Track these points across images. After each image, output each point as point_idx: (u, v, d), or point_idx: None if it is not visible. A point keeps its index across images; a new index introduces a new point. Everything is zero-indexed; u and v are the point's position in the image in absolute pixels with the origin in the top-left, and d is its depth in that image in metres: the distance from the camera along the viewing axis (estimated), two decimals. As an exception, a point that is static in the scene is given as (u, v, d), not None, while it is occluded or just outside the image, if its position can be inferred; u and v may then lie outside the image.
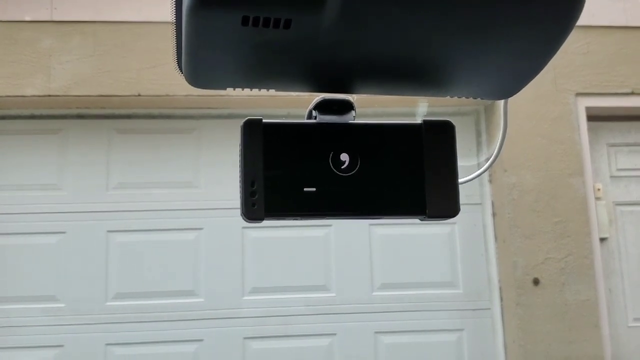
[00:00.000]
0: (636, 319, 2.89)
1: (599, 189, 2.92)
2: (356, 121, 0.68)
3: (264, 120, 0.65)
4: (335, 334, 2.81)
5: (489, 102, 2.88)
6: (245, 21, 0.49)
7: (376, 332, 2.82)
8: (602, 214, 2.89)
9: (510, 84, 0.62)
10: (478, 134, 3.02)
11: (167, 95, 2.73)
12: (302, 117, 0.69)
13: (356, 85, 0.63)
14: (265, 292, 2.81)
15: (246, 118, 0.64)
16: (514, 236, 2.75)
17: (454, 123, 0.68)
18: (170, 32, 0.58)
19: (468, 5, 0.49)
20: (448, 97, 0.66)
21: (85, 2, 2.76)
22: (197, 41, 0.52)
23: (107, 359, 2.70)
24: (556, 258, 2.74)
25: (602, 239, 2.88)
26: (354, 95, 0.67)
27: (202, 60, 0.56)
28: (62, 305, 2.72)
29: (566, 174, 2.81)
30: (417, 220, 0.69)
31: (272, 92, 0.63)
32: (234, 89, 0.61)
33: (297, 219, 0.66)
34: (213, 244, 2.82)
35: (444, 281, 2.90)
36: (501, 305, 2.84)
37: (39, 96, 2.70)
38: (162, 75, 2.70)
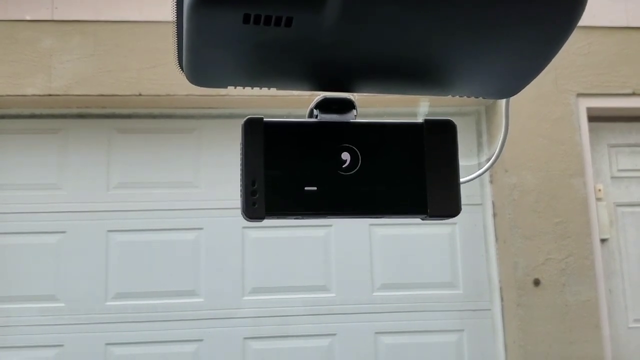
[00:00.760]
0: (636, 320, 2.89)
1: (599, 190, 2.91)
2: (357, 120, 0.67)
3: (264, 119, 0.65)
4: (335, 335, 2.81)
5: (490, 102, 2.88)
6: (246, 19, 0.49)
7: (376, 333, 2.82)
8: (603, 214, 2.89)
9: (511, 83, 0.62)
10: (479, 134, 3.02)
11: (168, 95, 2.73)
12: (303, 116, 0.69)
13: (357, 84, 0.63)
14: (266, 292, 2.81)
15: (247, 117, 0.64)
16: (515, 237, 2.75)
17: (455, 122, 0.68)
18: (171, 30, 0.58)
19: (469, 5, 0.49)
20: (449, 96, 0.66)
21: (86, 1, 2.76)
22: (198, 39, 0.52)
23: (107, 358, 2.70)
24: (557, 259, 2.73)
25: (603, 240, 2.88)
26: (355, 94, 0.67)
27: (203, 59, 0.56)
28: (62, 304, 2.72)
29: (567, 174, 2.81)
30: (417, 220, 0.69)
31: (273, 90, 0.63)
32: (235, 88, 0.61)
33: (298, 218, 0.66)
34: (213, 244, 2.82)
35: (445, 282, 2.90)
36: (502, 305, 2.84)
37: (39, 95, 2.70)
38: (163, 75, 2.69)
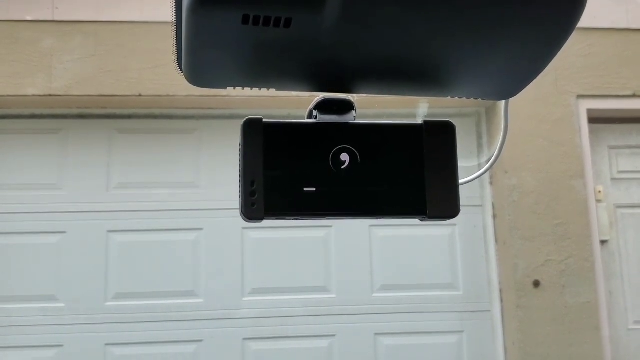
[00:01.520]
0: (636, 322, 2.89)
1: (599, 192, 2.91)
2: (357, 121, 0.67)
3: (264, 120, 0.65)
4: (335, 335, 2.81)
5: (490, 103, 2.87)
6: (245, 20, 0.49)
7: (376, 334, 2.82)
8: (603, 216, 2.89)
9: (511, 84, 0.62)
10: (479, 136, 3.02)
11: (168, 96, 2.73)
12: (303, 117, 0.69)
13: (357, 85, 0.63)
14: (265, 293, 2.81)
15: (246, 118, 0.64)
16: (515, 238, 2.75)
17: (454, 124, 0.68)
18: (171, 31, 0.58)
19: (469, 6, 0.49)
20: (449, 97, 0.66)
21: (87, 2, 2.76)
22: (197, 40, 0.52)
23: (107, 359, 2.70)
24: (556, 260, 2.73)
25: (603, 242, 2.88)
26: (354, 95, 0.67)
27: (202, 59, 0.56)
28: (62, 305, 2.72)
29: (567, 176, 2.81)
30: (417, 222, 0.69)
31: (272, 91, 0.63)
32: (234, 88, 0.61)
33: (296, 219, 0.65)
34: (213, 245, 2.82)
35: (444, 283, 2.89)
36: (501, 307, 2.84)
37: (39, 96, 2.70)
38: (163, 75, 2.70)
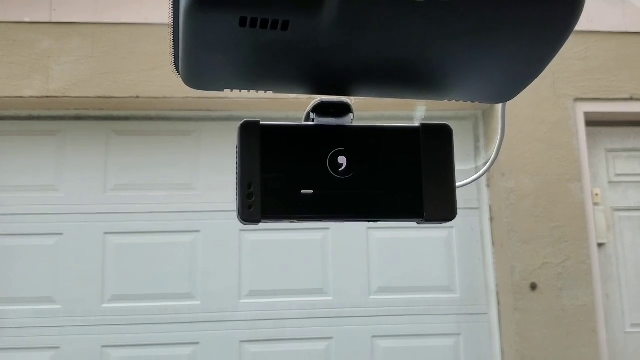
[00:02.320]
0: (634, 325, 2.89)
1: (597, 194, 2.92)
2: (354, 124, 0.67)
3: (261, 122, 0.64)
4: (332, 338, 2.81)
5: (487, 106, 2.88)
6: (242, 22, 0.49)
7: (373, 336, 2.82)
8: (600, 219, 2.89)
9: (508, 88, 0.62)
10: (476, 139, 3.02)
11: (166, 97, 2.73)
12: (301, 119, 0.69)
13: (354, 88, 0.63)
14: (262, 295, 2.81)
15: (243, 120, 0.64)
16: (512, 241, 2.75)
17: (451, 127, 0.68)
18: (168, 33, 0.58)
19: (466, 9, 0.49)
20: (446, 100, 0.66)
21: (85, 3, 2.76)
22: (194, 42, 0.52)
23: (103, 361, 2.70)
24: (554, 263, 2.73)
25: (600, 245, 2.88)
26: (352, 98, 0.67)
27: (199, 62, 0.55)
28: (59, 306, 2.72)
29: (564, 179, 2.81)
30: (414, 224, 0.68)
31: (270, 93, 0.63)
32: (232, 91, 0.61)
33: (293, 222, 0.65)
34: (210, 247, 2.82)
35: (441, 285, 2.89)
36: (498, 310, 2.83)
37: (37, 97, 2.69)
38: (161, 77, 2.69)
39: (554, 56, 0.56)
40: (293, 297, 2.81)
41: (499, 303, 2.84)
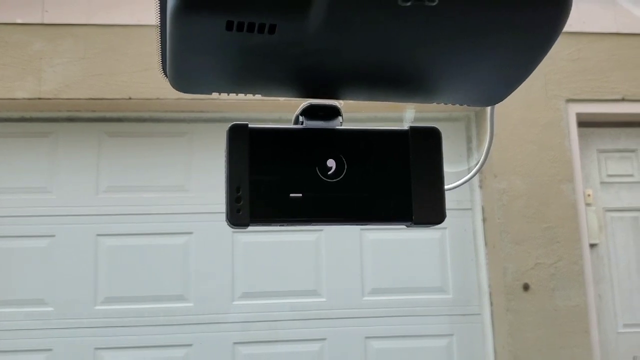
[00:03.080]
0: (626, 325, 2.90)
1: (589, 195, 2.92)
2: (343, 127, 0.67)
3: (249, 126, 0.64)
4: (325, 339, 2.80)
5: (479, 108, 2.88)
6: (229, 26, 0.49)
7: (366, 337, 2.82)
8: (592, 220, 2.90)
9: (496, 91, 0.62)
10: (468, 140, 3.02)
11: (158, 99, 2.73)
12: (291, 121, 0.68)
13: (343, 91, 0.63)
14: (255, 297, 2.80)
15: (232, 123, 0.64)
16: (504, 242, 2.76)
17: (442, 129, 0.68)
18: (155, 35, 0.58)
19: (452, 13, 0.49)
20: (435, 103, 0.66)
21: (77, 5, 2.75)
22: (181, 45, 0.52)
23: (96, 363, 2.69)
24: (546, 264, 2.74)
25: (592, 245, 2.89)
26: (340, 101, 0.67)
27: (187, 65, 0.55)
28: (51, 309, 2.71)
29: (556, 179, 2.81)
30: (404, 227, 0.68)
31: (258, 97, 0.63)
32: (220, 94, 0.61)
33: (282, 225, 0.65)
34: (203, 249, 2.81)
35: (434, 286, 2.90)
36: (491, 310, 2.84)
37: (29, 99, 2.69)
38: (153, 78, 2.69)
39: (542, 58, 0.56)
40: (286, 298, 2.81)
41: (491, 304, 2.84)
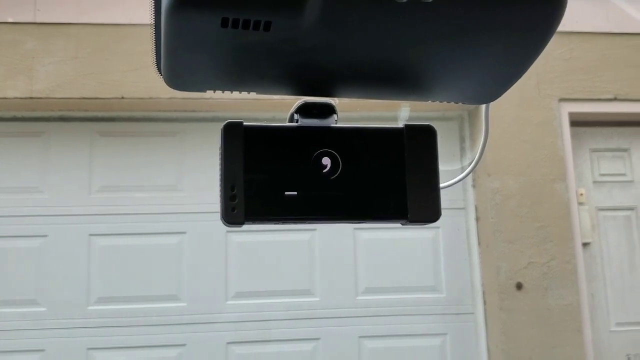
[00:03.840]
0: (618, 324, 2.91)
1: (581, 194, 2.93)
2: (338, 125, 0.67)
3: (244, 124, 0.64)
4: (319, 339, 2.80)
5: (472, 107, 2.89)
6: (224, 23, 0.48)
7: (360, 337, 2.82)
8: (585, 219, 2.91)
9: (491, 89, 0.62)
10: (462, 139, 3.03)
11: (151, 98, 2.72)
12: (286, 120, 0.68)
13: (338, 89, 0.63)
14: (249, 297, 2.80)
15: (226, 121, 0.64)
16: (497, 241, 2.76)
17: (436, 128, 0.68)
18: (150, 33, 0.57)
19: (448, 11, 0.49)
20: (429, 101, 0.66)
21: (69, 4, 2.74)
22: (175, 43, 0.51)
23: (89, 363, 2.68)
24: (539, 263, 2.75)
25: (585, 244, 2.90)
26: (335, 99, 0.67)
27: (181, 62, 0.55)
28: (44, 309, 2.70)
29: (549, 179, 2.82)
30: (399, 225, 0.68)
31: (253, 95, 0.63)
32: (214, 92, 0.61)
33: (277, 224, 0.65)
34: (196, 248, 2.81)
35: (428, 285, 2.90)
36: (484, 309, 2.84)
37: (21, 98, 2.67)
38: (146, 77, 2.68)
39: (537, 57, 0.56)
40: (280, 298, 2.81)
41: (484, 303, 2.85)
